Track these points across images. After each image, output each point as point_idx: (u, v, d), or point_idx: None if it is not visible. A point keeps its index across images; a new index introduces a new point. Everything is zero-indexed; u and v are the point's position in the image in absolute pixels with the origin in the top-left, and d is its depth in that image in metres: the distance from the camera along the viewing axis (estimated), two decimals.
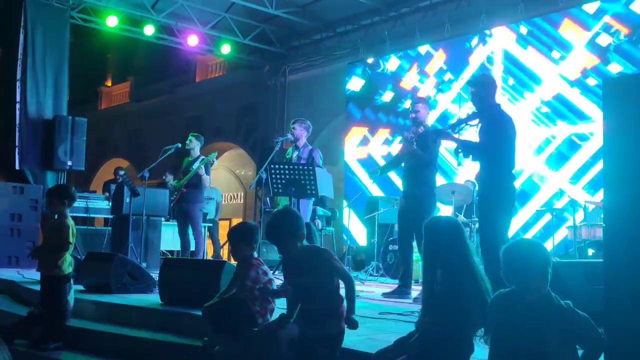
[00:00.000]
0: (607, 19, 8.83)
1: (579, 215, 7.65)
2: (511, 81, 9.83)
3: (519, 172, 9.12)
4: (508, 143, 4.89)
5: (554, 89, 9.36)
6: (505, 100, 9.58)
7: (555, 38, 9.45)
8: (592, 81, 8.90)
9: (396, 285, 6.21)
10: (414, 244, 6.20)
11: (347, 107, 12.33)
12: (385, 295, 6.06)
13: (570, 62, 9.23)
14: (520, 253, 2.49)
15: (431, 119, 7.38)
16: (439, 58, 10.92)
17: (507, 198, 4.87)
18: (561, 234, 8.20)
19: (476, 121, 5.00)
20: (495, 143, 4.85)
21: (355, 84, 12.19)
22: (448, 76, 10.79)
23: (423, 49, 11.14)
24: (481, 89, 5.00)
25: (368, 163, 11.58)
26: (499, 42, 10.09)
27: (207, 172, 8.13)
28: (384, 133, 11.63)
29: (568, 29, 9.30)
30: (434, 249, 2.88)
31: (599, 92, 7.88)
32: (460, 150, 4.99)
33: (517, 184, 8.86)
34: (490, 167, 4.89)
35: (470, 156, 5.03)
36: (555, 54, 9.42)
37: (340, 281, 3.34)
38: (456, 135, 5.15)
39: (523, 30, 9.80)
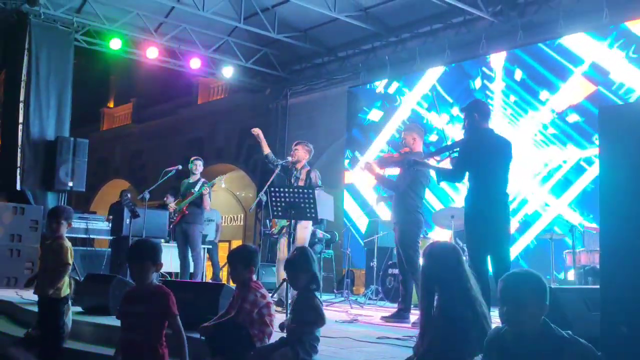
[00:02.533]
0: None
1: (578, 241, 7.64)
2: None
3: (524, 200, 8.99)
4: (498, 166, 4.89)
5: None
6: (506, 121, 9.15)
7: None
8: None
9: (395, 309, 6.21)
10: None
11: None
12: (384, 318, 6.05)
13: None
14: (511, 283, 2.47)
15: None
16: None
17: (500, 219, 4.85)
18: (561, 259, 8.16)
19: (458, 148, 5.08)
20: (478, 165, 4.86)
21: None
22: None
23: None
24: (470, 114, 5.05)
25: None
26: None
27: (209, 195, 8.15)
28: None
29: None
30: (432, 273, 2.90)
31: None
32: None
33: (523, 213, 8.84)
34: (477, 190, 4.89)
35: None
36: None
37: None
38: (434, 163, 5.26)
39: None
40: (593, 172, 7.78)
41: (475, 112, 5.03)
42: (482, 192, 4.84)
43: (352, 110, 12.26)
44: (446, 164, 5.23)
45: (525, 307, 2.37)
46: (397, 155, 6.36)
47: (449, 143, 5.34)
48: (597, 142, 7.94)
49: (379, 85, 11.35)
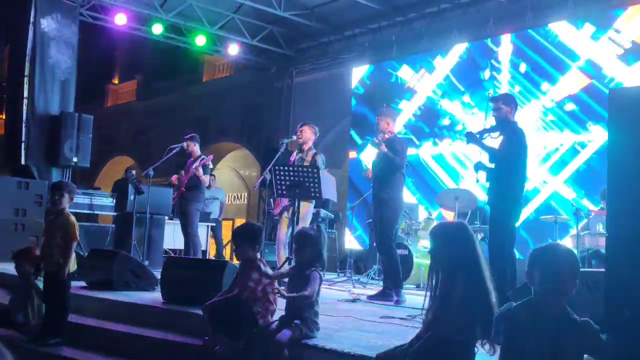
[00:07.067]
0: None
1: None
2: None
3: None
4: (522, 159, 5.31)
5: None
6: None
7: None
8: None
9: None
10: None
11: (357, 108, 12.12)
12: (369, 297, 6.12)
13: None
14: (549, 256, 2.46)
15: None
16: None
17: (517, 209, 5.32)
18: (564, 242, 8.17)
19: (497, 133, 5.42)
20: (511, 158, 5.24)
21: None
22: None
23: None
24: (503, 106, 5.38)
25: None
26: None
27: (206, 172, 8.10)
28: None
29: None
30: (440, 251, 2.87)
31: None
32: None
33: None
34: (505, 180, 5.24)
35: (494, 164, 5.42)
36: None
37: None
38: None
39: None
40: (586, 154, 8.34)
41: (513, 103, 5.42)
42: (508, 182, 5.23)
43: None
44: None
45: (572, 280, 2.40)
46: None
47: (487, 127, 5.53)
48: (590, 128, 8.32)
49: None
